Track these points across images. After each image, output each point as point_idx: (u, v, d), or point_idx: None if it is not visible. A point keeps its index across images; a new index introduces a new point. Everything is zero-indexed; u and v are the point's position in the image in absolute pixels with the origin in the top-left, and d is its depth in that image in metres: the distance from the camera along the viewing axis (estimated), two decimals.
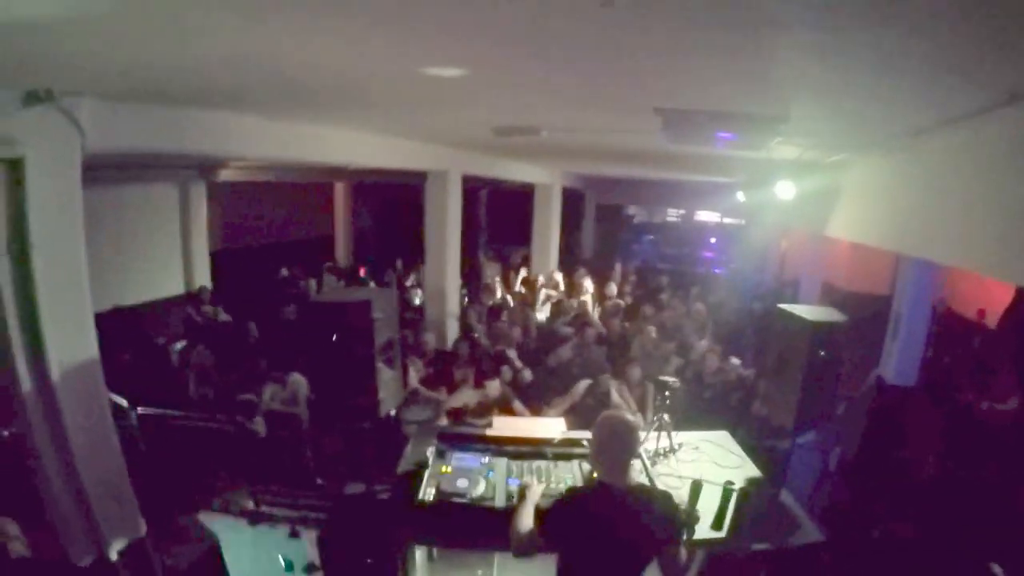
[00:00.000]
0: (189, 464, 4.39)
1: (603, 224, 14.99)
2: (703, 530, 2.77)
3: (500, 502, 2.86)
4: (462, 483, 3.02)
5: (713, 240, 14.26)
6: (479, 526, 2.82)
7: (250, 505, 4.43)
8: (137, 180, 6.76)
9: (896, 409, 4.95)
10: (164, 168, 6.99)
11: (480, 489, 2.95)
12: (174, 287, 7.51)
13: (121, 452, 3.17)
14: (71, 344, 2.87)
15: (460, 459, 3.27)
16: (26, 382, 2.73)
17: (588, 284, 9.48)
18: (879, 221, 3.88)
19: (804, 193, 5.48)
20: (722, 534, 2.77)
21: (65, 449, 2.86)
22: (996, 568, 2.98)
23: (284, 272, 8.54)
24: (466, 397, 4.68)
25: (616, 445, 2.18)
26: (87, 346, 2.97)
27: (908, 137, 3.31)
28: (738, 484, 2.89)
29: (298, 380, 5.22)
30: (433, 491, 2.95)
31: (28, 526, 2.93)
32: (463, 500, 2.89)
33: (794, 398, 3.28)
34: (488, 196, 16.36)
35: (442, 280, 7.00)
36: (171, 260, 7.56)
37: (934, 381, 5.55)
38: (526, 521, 2.33)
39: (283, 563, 3.90)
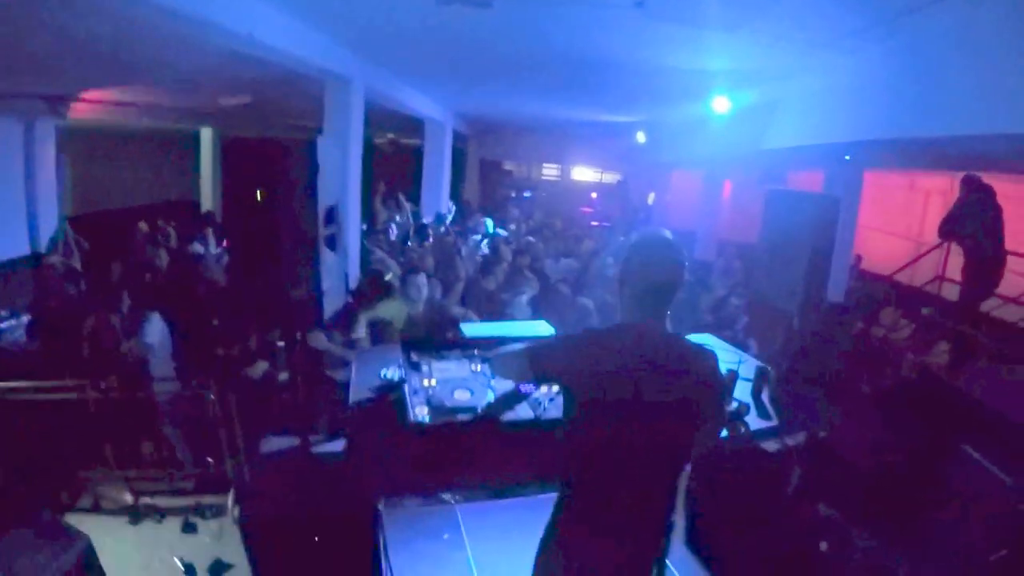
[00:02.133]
0: (43, 453, 3.12)
1: (486, 179, 14.62)
2: (753, 421, 2.41)
3: (526, 411, 2.22)
4: (462, 395, 2.31)
5: (594, 195, 14.45)
6: (502, 445, 2.15)
7: (128, 498, 3.27)
8: None
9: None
10: (4, 99, 5.14)
11: (489, 398, 2.28)
12: (17, 247, 5.62)
13: None
14: None
15: (444, 369, 2.52)
16: None
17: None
18: (849, 117, 3.82)
19: (736, 112, 5.45)
20: (774, 421, 2.44)
21: None
22: (968, 449, 3.00)
23: (143, 227, 7.00)
24: (392, 309, 3.76)
25: (654, 271, 1.45)
26: None
27: (880, 27, 3.24)
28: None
29: (149, 318, 3.93)
30: (425, 410, 2.20)
31: None
32: (471, 416, 2.19)
33: (799, 274, 3.04)
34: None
35: (343, 216, 5.88)
36: (13, 213, 5.63)
37: None
38: (518, 346, 1.66)
39: (180, 566, 2.90)
